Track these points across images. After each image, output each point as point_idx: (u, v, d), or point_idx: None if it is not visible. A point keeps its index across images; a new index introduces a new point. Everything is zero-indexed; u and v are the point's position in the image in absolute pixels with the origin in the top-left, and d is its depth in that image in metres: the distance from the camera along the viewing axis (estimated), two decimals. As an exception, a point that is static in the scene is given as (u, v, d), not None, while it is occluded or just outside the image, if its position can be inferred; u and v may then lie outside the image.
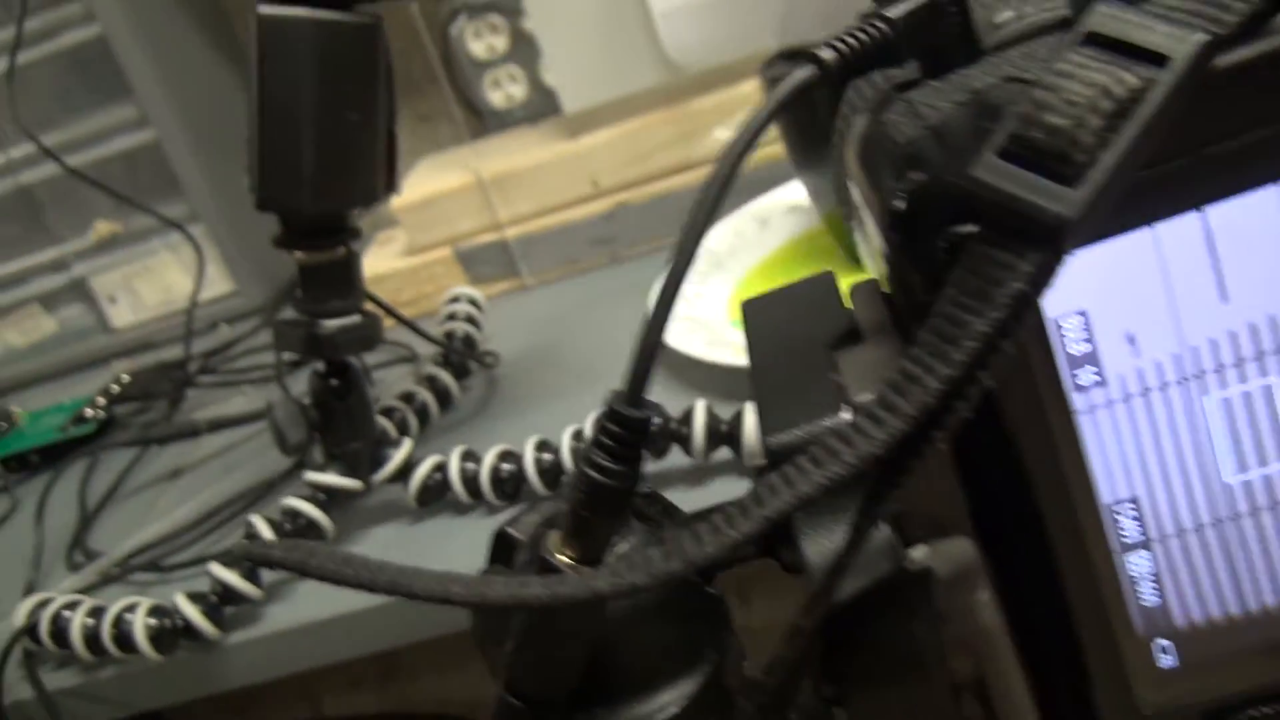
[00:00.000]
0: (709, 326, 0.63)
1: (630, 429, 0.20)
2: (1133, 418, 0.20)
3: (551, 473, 0.57)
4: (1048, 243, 0.16)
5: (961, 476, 0.21)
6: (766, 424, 0.21)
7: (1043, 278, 0.16)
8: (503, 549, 0.25)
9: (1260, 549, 0.21)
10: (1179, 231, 0.19)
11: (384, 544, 0.59)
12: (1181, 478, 0.20)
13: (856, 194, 0.22)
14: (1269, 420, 0.20)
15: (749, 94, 0.78)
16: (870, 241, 0.22)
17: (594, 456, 0.20)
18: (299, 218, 0.56)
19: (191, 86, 0.98)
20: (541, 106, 0.98)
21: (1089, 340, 0.19)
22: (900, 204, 0.19)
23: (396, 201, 0.83)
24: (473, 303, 0.76)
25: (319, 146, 0.53)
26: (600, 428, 0.20)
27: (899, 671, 0.19)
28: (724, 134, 0.80)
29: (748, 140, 0.21)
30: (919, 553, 0.20)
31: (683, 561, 0.18)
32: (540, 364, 0.73)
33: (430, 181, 0.85)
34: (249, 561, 0.16)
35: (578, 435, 0.56)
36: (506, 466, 0.58)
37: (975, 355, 0.17)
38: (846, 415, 0.20)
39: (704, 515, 0.19)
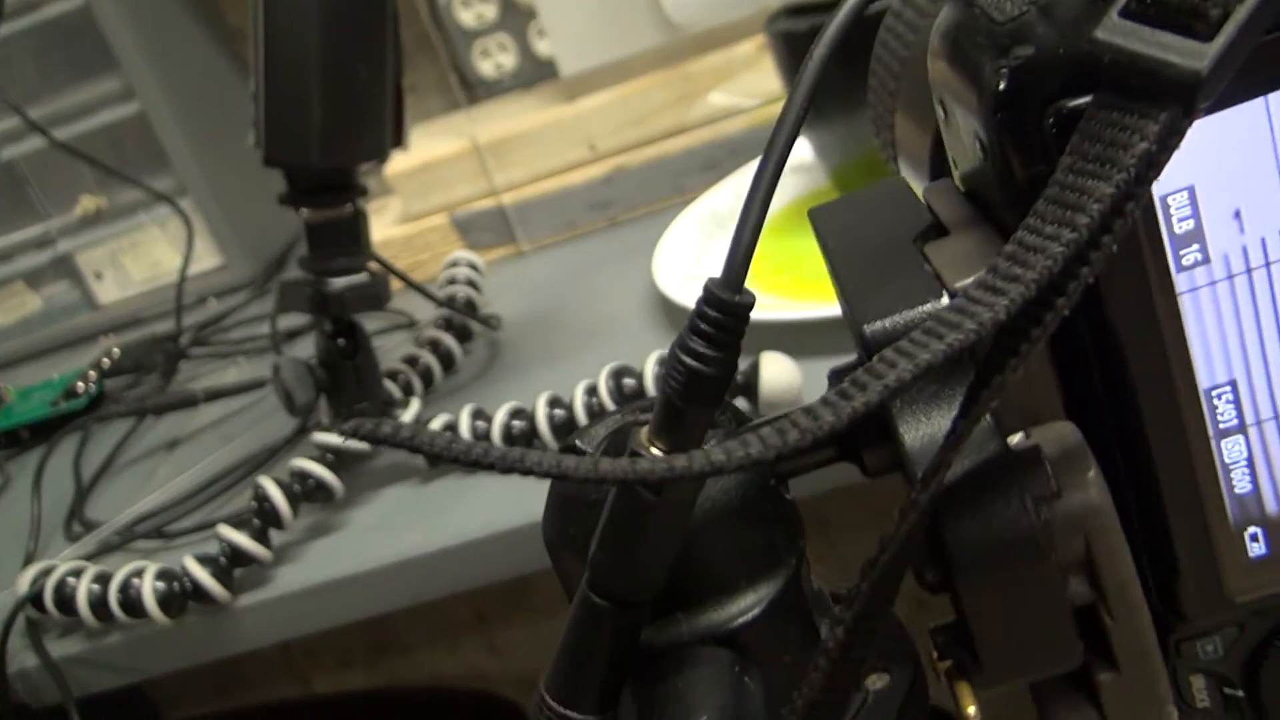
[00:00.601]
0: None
1: (730, 314, 0.19)
2: (1234, 298, 0.20)
3: (565, 428, 0.56)
4: (1180, 99, 0.16)
5: (1055, 364, 0.21)
6: (858, 314, 0.21)
7: (1172, 138, 0.16)
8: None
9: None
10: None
11: (394, 505, 0.59)
12: None
13: (942, 94, 0.22)
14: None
15: (748, 55, 0.77)
16: (958, 139, 0.22)
17: (691, 343, 0.19)
18: (306, 174, 0.55)
19: (177, 58, 0.96)
20: (531, 76, 0.97)
21: (1194, 217, 0.19)
22: (1004, 82, 0.19)
23: (391, 168, 0.82)
24: (472, 266, 0.75)
25: (327, 100, 0.52)
26: (698, 313, 0.19)
27: (1008, 553, 0.19)
28: (721, 97, 0.79)
29: (833, 43, 0.20)
30: (1018, 437, 0.20)
31: (799, 435, 0.17)
32: (541, 327, 0.73)
33: (425, 148, 0.84)
34: (359, 438, 0.15)
35: (591, 390, 0.56)
36: (518, 423, 0.57)
37: (1102, 219, 0.16)
38: (946, 300, 0.20)
39: (786, 415, 0.19)
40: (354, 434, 0.17)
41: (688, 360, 0.19)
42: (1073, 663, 0.20)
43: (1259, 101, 0.18)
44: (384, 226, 0.86)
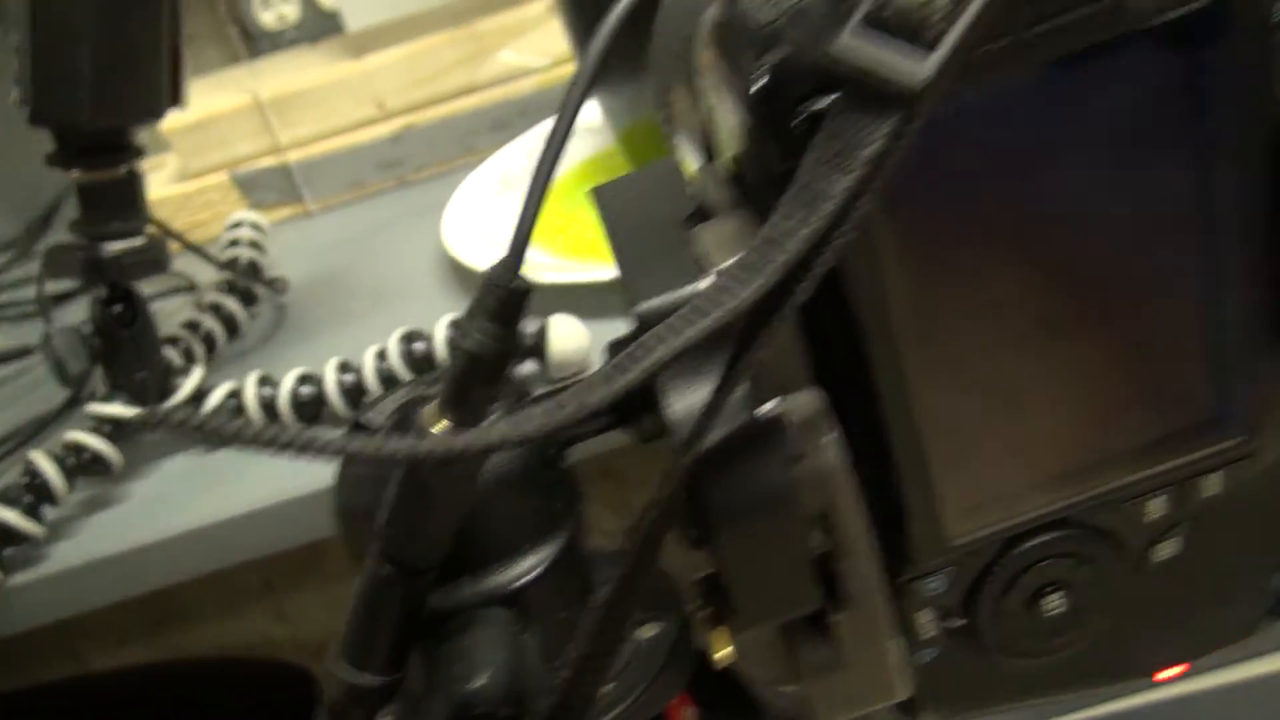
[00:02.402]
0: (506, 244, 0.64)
1: (509, 299, 0.21)
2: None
3: (354, 393, 0.56)
4: (906, 105, 0.18)
5: (804, 337, 0.23)
6: (633, 292, 0.22)
7: (900, 139, 0.18)
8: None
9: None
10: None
11: (177, 475, 0.58)
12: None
13: (710, 81, 0.24)
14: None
15: (538, 15, 0.78)
16: (722, 127, 0.23)
17: (474, 324, 0.21)
18: (76, 133, 0.53)
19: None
20: (315, 28, 0.94)
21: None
22: (762, 81, 0.21)
23: (167, 123, 0.79)
24: (256, 227, 0.73)
25: (99, 55, 0.49)
26: (482, 296, 0.21)
27: (759, 509, 0.21)
28: (511, 56, 0.80)
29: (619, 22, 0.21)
30: (769, 405, 0.22)
31: (573, 409, 0.19)
32: (329, 290, 0.72)
33: (204, 102, 0.80)
34: (148, 425, 0.16)
35: (381, 355, 0.56)
36: (306, 389, 0.57)
37: (838, 212, 0.19)
38: (710, 280, 0.22)
39: (566, 386, 0.21)
40: (149, 422, 0.17)
41: (468, 343, 0.21)
42: (813, 605, 0.22)
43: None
44: (160, 184, 0.83)
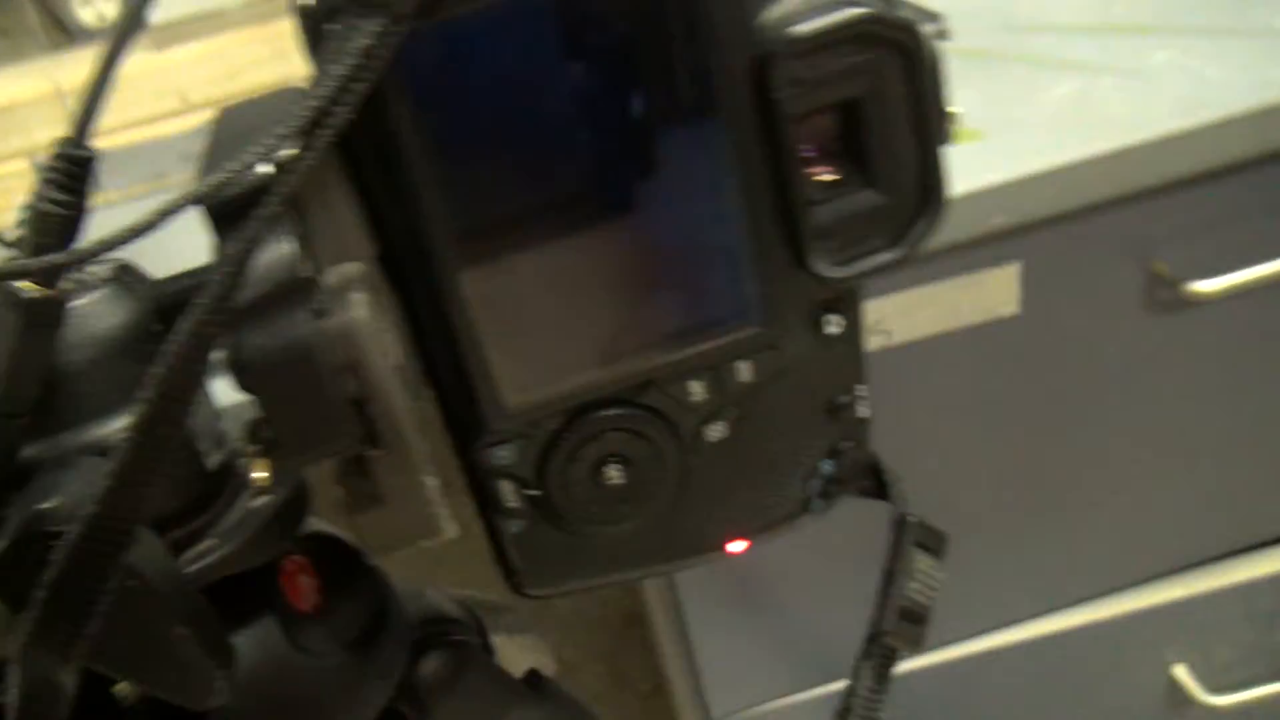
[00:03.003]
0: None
1: (79, 164, 0.24)
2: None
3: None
4: (384, 10, 0.22)
5: (369, 224, 0.27)
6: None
7: (386, 37, 0.23)
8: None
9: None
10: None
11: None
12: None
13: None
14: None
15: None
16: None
17: (46, 191, 0.24)
18: None
19: None
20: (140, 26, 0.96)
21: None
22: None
23: (-36, 107, 0.80)
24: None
25: None
26: (51, 167, 0.24)
27: (285, 356, 0.24)
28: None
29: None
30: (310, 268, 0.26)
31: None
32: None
33: (4, 90, 0.82)
34: None
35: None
36: None
37: (333, 93, 0.23)
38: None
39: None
40: None
41: (45, 203, 0.24)
42: (351, 443, 0.26)
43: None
44: (-41, 168, 0.83)
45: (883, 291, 0.65)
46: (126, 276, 0.29)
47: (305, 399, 0.25)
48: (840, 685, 0.37)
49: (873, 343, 0.67)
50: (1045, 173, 0.60)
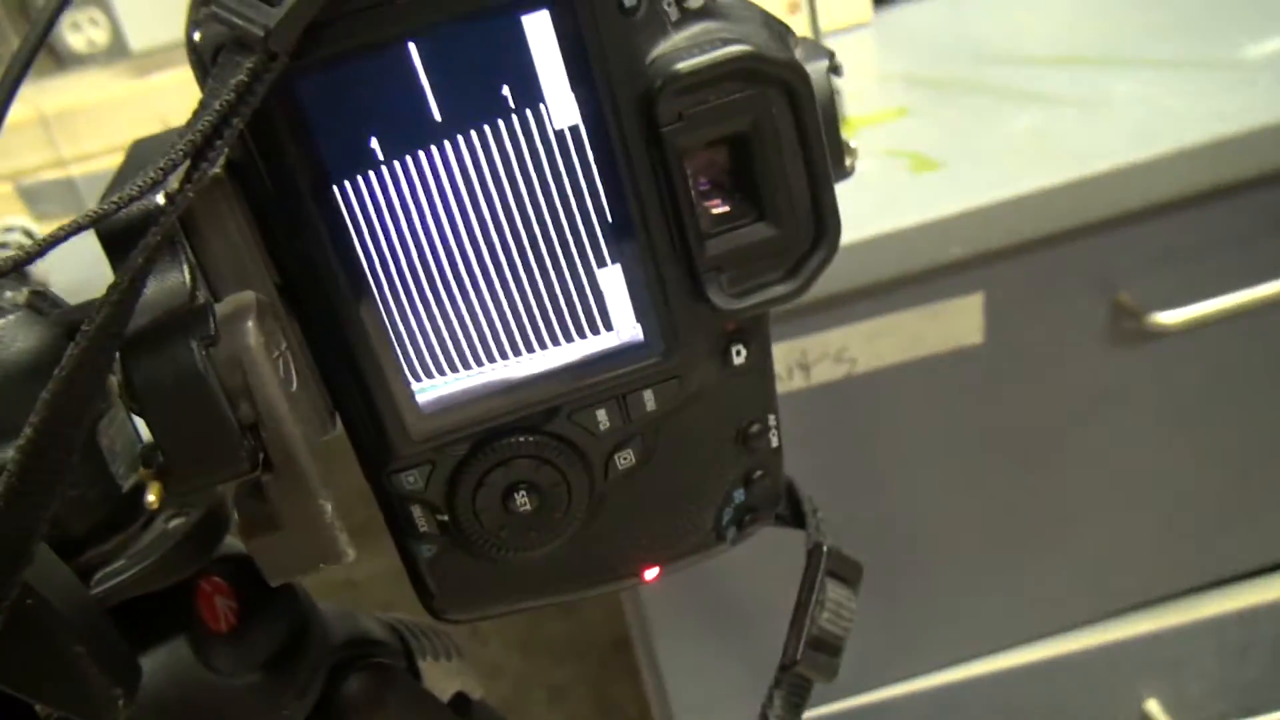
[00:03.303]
0: None
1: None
2: (388, 203, 0.27)
3: None
4: (260, 50, 0.23)
5: (274, 257, 0.28)
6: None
7: (262, 74, 0.23)
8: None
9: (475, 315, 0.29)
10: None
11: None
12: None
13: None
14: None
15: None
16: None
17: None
18: None
19: None
20: (123, 54, 0.98)
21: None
22: (197, 32, 0.25)
23: (-51, 131, 0.81)
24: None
25: None
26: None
27: (176, 381, 0.25)
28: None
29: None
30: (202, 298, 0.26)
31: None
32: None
33: (-11, 114, 0.83)
34: None
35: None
36: None
37: (213, 128, 0.23)
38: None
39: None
40: None
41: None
42: (242, 467, 0.26)
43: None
44: (-57, 191, 0.85)
45: (847, 320, 0.66)
46: (39, 302, 0.30)
47: (195, 424, 0.25)
48: (810, 713, 0.37)
49: (836, 372, 0.68)
50: (1005, 202, 0.61)
